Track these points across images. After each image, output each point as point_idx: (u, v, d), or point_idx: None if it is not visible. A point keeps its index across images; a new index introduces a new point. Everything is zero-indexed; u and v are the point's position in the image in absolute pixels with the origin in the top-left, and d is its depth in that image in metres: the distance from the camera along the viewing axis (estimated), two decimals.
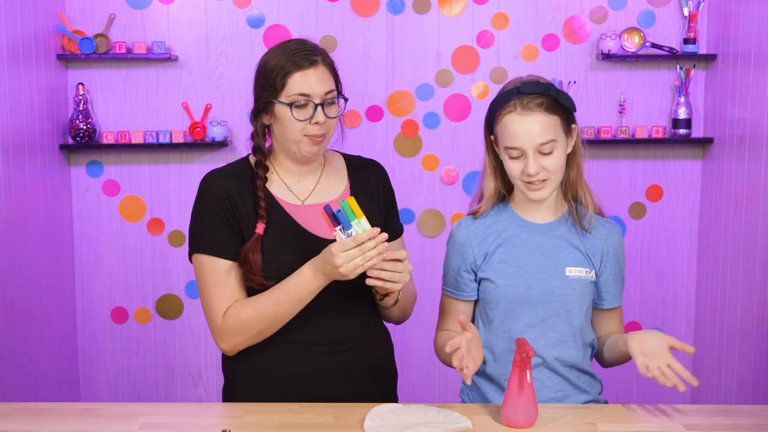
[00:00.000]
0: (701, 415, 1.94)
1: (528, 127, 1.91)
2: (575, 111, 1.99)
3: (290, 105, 1.93)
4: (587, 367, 2.06)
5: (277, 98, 1.95)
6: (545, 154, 1.92)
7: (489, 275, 2.02)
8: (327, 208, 1.86)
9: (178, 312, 3.79)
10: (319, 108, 1.94)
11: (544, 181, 1.94)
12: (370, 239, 1.83)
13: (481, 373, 2.05)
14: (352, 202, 1.85)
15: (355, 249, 1.83)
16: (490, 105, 2.01)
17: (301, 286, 1.92)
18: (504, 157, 1.97)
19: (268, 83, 1.95)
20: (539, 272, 1.99)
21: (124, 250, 3.75)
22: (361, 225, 1.85)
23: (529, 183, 1.94)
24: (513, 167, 1.95)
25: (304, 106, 1.94)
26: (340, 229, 1.85)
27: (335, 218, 1.85)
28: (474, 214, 2.08)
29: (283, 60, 1.95)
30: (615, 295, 2.07)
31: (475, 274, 2.05)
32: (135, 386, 3.82)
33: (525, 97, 1.92)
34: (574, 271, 2.00)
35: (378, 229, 1.84)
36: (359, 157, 2.16)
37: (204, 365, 3.81)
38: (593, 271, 2.02)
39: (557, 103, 1.94)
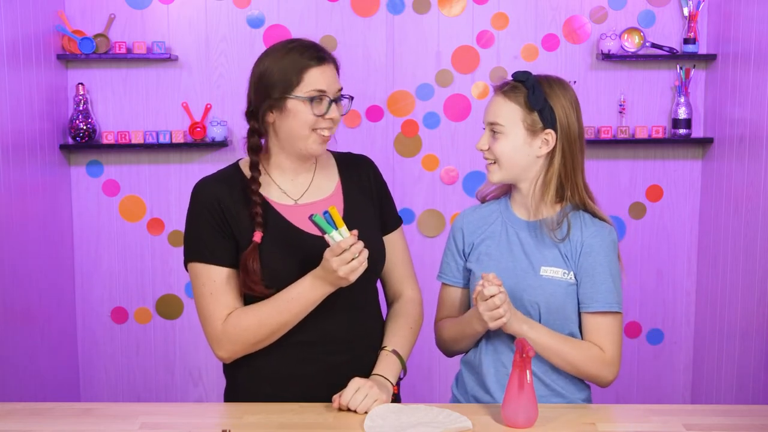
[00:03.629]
0: (701, 415, 1.94)
1: (488, 106, 2.04)
2: (536, 107, 1.97)
3: (310, 100, 1.93)
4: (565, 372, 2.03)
5: (291, 93, 1.94)
6: (494, 136, 2.00)
7: (473, 267, 2.06)
8: (311, 218, 1.86)
9: (178, 312, 3.79)
10: (333, 104, 1.96)
11: (492, 163, 2.02)
12: (352, 245, 1.83)
13: (466, 360, 2.11)
14: (334, 211, 1.86)
15: (347, 252, 1.83)
16: None
17: (303, 294, 1.92)
18: None
19: (282, 79, 1.94)
20: (516, 269, 2.00)
21: (124, 250, 3.75)
22: (341, 233, 1.85)
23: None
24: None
25: (320, 101, 1.95)
26: (330, 235, 1.85)
27: (318, 227, 1.85)
28: (477, 197, 2.17)
29: (297, 56, 1.95)
30: (587, 299, 1.99)
31: (464, 263, 2.10)
32: (135, 386, 3.82)
33: (506, 81, 2.04)
34: (549, 272, 2.00)
35: (354, 237, 1.85)
36: (349, 153, 2.16)
37: (204, 365, 3.81)
38: (572, 272, 2.00)
39: (528, 96, 1.98)
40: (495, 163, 2.01)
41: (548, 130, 1.98)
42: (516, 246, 2.03)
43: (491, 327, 1.92)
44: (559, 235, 1.99)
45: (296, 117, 1.95)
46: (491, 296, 1.88)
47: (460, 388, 2.14)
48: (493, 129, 2.00)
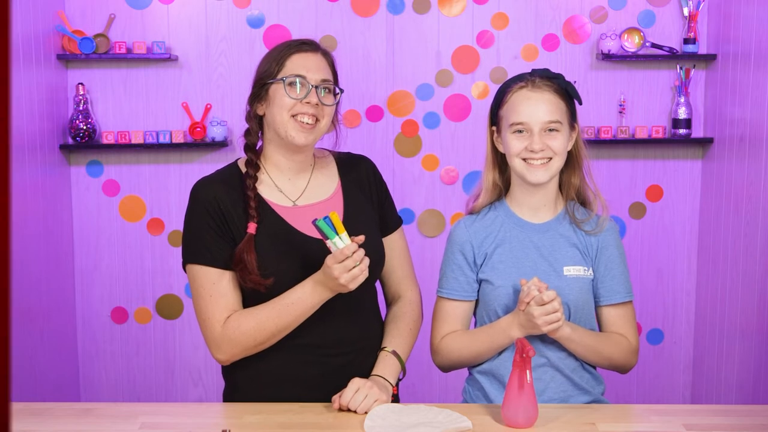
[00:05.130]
0: (701, 415, 1.94)
1: (537, 105, 1.96)
2: (581, 104, 2.03)
3: (288, 84, 1.95)
4: (590, 368, 2.06)
5: (272, 79, 1.96)
6: (550, 134, 1.96)
7: (489, 276, 2.02)
8: (314, 223, 1.85)
9: (178, 312, 3.79)
10: (313, 89, 1.95)
11: (548, 161, 1.96)
12: (354, 252, 1.82)
13: (484, 371, 2.05)
14: (335, 217, 1.85)
15: (349, 259, 1.82)
16: (499, 87, 2.06)
17: (303, 299, 1.91)
18: (507, 137, 1.99)
19: (266, 68, 1.98)
20: (537, 272, 1.99)
21: (124, 250, 3.75)
22: (342, 240, 1.84)
23: (529, 163, 1.97)
24: (515, 144, 1.97)
25: (298, 84, 1.95)
26: (332, 241, 1.85)
27: (321, 232, 1.85)
28: (472, 212, 2.11)
29: (284, 47, 2.00)
30: (610, 292, 2.04)
31: (476, 275, 2.05)
32: (135, 386, 3.82)
33: (537, 78, 1.99)
34: (573, 270, 2.01)
35: (356, 245, 1.84)
36: (348, 154, 2.16)
37: (204, 366, 3.81)
38: (591, 268, 2.03)
39: (566, 92, 2.00)
40: (550, 160, 1.97)
41: (576, 124, 2.03)
42: (531, 249, 2.02)
43: (544, 330, 1.90)
44: (588, 227, 2.03)
45: (275, 102, 1.96)
46: (549, 301, 1.87)
47: (476, 395, 2.09)
48: (551, 127, 1.97)
